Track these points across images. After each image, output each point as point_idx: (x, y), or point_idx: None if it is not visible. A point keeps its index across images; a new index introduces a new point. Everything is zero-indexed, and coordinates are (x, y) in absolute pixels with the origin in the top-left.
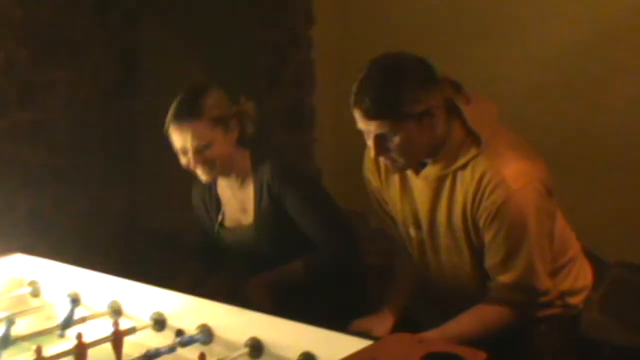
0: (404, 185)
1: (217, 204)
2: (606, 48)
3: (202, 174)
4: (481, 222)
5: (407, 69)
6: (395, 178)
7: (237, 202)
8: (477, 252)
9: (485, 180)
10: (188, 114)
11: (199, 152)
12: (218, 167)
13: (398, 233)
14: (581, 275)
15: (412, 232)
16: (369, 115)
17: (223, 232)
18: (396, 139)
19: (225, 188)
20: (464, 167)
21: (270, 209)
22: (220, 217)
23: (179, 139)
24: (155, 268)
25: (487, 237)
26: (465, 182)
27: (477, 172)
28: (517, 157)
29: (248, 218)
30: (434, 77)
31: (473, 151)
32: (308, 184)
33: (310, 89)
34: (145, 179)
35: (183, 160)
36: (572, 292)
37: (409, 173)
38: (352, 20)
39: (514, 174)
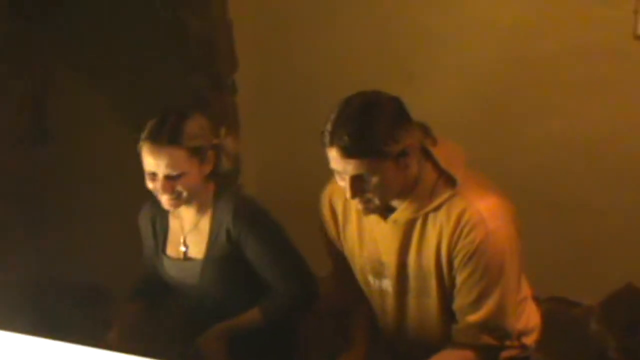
0: (362, 230)
1: (167, 228)
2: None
3: (165, 202)
4: (456, 262)
5: (384, 106)
6: (353, 224)
7: (188, 232)
8: (446, 294)
9: (464, 219)
10: (167, 139)
11: (169, 180)
12: (185, 199)
13: (349, 268)
14: (532, 315)
15: (371, 280)
16: (347, 154)
17: (166, 262)
18: (374, 179)
19: (177, 214)
20: (437, 209)
21: (225, 249)
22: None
23: (152, 162)
24: (74, 323)
25: (461, 276)
26: (438, 223)
27: (454, 212)
28: (491, 197)
29: (197, 252)
30: (409, 115)
31: (447, 192)
32: (271, 229)
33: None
34: (59, 227)
35: (149, 184)
36: (526, 332)
37: (369, 218)
38: (273, 63)
39: (491, 214)
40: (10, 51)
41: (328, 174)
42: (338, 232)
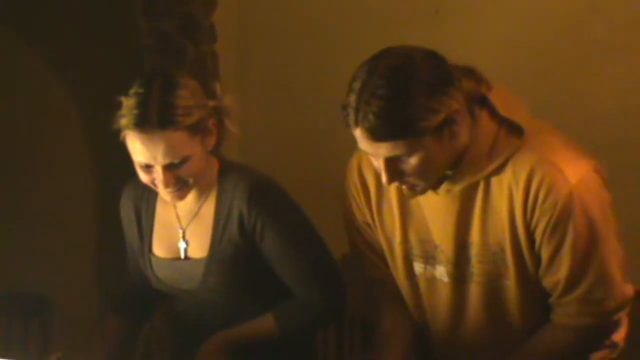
0: (405, 207)
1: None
2: (586, 26)
3: (169, 195)
4: (538, 233)
5: (418, 69)
6: (392, 200)
7: (187, 224)
8: (527, 275)
9: (536, 179)
10: (158, 122)
11: (170, 170)
12: (191, 186)
13: (385, 274)
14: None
15: (419, 267)
16: (375, 137)
17: (155, 263)
18: (413, 160)
19: (167, 201)
20: (500, 168)
21: (236, 243)
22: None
23: (144, 152)
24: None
25: (548, 249)
26: (506, 186)
27: (523, 170)
28: (566, 144)
29: (198, 249)
30: (451, 73)
31: (512, 144)
32: (293, 215)
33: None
34: None
35: (144, 177)
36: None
37: None
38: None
39: (570, 165)
40: None
41: (337, 142)
42: (372, 213)
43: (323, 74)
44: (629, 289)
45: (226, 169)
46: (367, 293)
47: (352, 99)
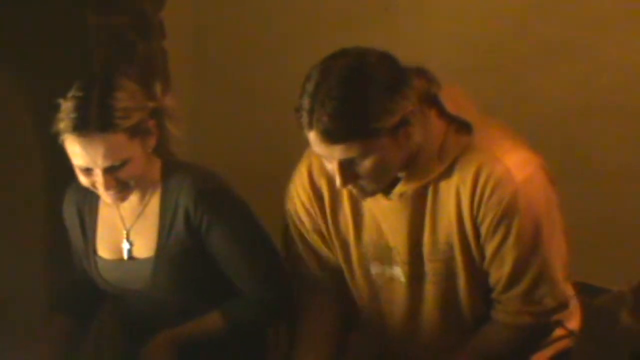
0: (358, 210)
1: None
2: (541, 22)
3: (110, 197)
4: (483, 229)
5: (373, 70)
6: (345, 206)
7: (131, 224)
8: (475, 271)
9: (483, 176)
10: (97, 125)
11: (110, 173)
12: (132, 188)
13: (318, 282)
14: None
15: (377, 268)
16: (329, 139)
17: (100, 264)
18: (367, 162)
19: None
20: (448, 171)
21: (183, 241)
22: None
23: (82, 155)
24: None
25: (492, 245)
26: (454, 185)
27: (470, 169)
28: (513, 142)
29: (143, 249)
30: (405, 74)
31: (461, 142)
32: (240, 211)
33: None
34: None
35: (84, 180)
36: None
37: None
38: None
39: (517, 163)
40: None
41: (289, 141)
42: (326, 219)
43: (275, 72)
44: (569, 290)
45: (169, 168)
46: (297, 299)
47: (306, 101)
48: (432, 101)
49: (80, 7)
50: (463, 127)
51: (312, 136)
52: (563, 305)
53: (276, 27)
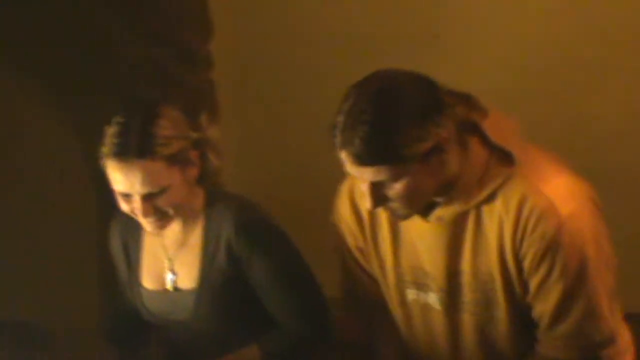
0: (396, 233)
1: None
2: (589, 47)
3: (149, 225)
4: (526, 263)
5: (406, 95)
6: (384, 226)
7: (174, 255)
8: (516, 304)
9: (526, 209)
10: (136, 151)
11: (149, 200)
12: (171, 217)
13: (376, 296)
14: (623, 331)
15: (411, 294)
16: (360, 161)
17: (144, 294)
18: (398, 186)
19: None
20: (492, 196)
21: (225, 272)
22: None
23: (122, 181)
24: None
25: (536, 279)
26: (496, 215)
27: (514, 200)
28: (559, 173)
29: (186, 280)
30: (441, 100)
31: (503, 173)
32: (281, 243)
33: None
34: None
35: (124, 206)
36: (619, 352)
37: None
38: (259, 27)
39: (562, 196)
40: None
41: (335, 170)
42: (365, 240)
43: (320, 102)
44: (620, 325)
45: (212, 198)
46: (360, 316)
47: (341, 120)
48: (474, 129)
49: (124, 39)
50: (506, 157)
51: (344, 156)
52: (610, 340)
53: (324, 56)
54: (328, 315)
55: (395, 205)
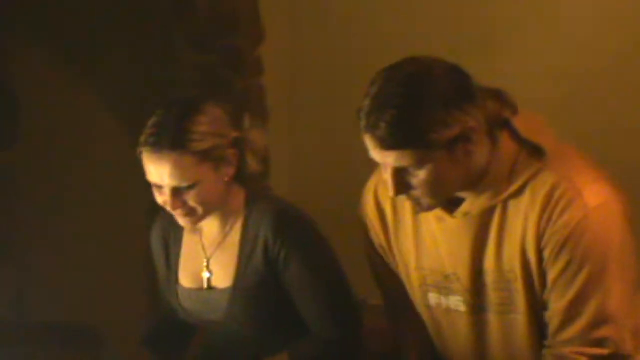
0: (420, 233)
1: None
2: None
3: (180, 219)
4: (547, 252)
5: (436, 80)
6: (407, 225)
7: (211, 253)
8: (536, 303)
9: (555, 196)
10: (168, 143)
11: (177, 193)
12: (201, 214)
13: (403, 296)
14: None
15: (434, 298)
16: (384, 145)
17: (180, 293)
18: (421, 174)
19: (196, 228)
20: (520, 191)
21: (260, 272)
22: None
23: (154, 170)
24: None
25: (553, 271)
26: (522, 209)
27: (542, 190)
28: (592, 170)
29: (222, 279)
30: (471, 90)
31: (534, 166)
32: (318, 247)
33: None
34: (29, 252)
35: (158, 197)
36: None
37: (430, 214)
38: (307, 34)
39: (591, 189)
40: None
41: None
42: (388, 239)
43: None
44: (631, 337)
45: (252, 199)
46: (391, 318)
47: (367, 104)
48: (504, 123)
49: (174, 44)
50: (536, 151)
51: (368, 140)
52: (622, 356)
53: (375, 63)
54: (359, 323)
55: (418, 193)
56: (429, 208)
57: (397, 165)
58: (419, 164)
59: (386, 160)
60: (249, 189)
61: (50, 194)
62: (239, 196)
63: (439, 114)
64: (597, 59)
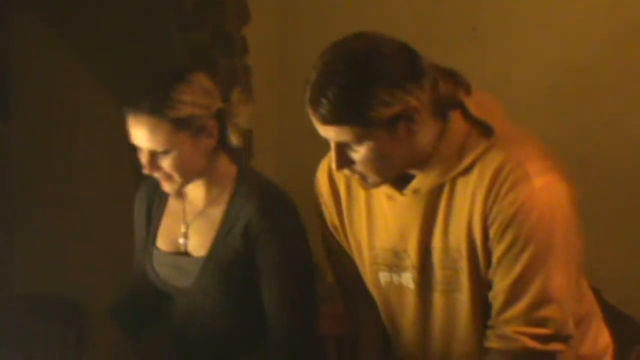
0: (371, 212)
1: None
2: (627, 48)
3: (162, 183)
4: (493, 230)
5: (381, 59)
6: (360, 205)
7: (192, 219)
8: (480, 284)
9: (502, 175)
10: (147, 107)
11: (154, 157)
12: (179, 181)
13: (356, 277)
14: (601, 334)
15: (385, 276)
16: (324, 120)
17: (155, 255)
18: (361, 150)
19: (182, 193)
20: (468, 169)
21: (236, 249)
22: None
23: (134, 133)
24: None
25: (498, 250)
26: (470, 187)
27: (490, 168)
28: (540, 151)
29: (198, 247)
30: (419, 70)
31: (483, 144)
32: (298, 238)
33: None
34: (20, 226)
35: (141, 159)
36: (594, 356)
37: (381, 192)
38: (296, 16)
39: (539, 169)
40: None
41: None
42: (342, 219)
43: None
44: (572, 324)
45: (243, 177)
46: (346, 304)
47: (312, 78)
48: (456, 104)
49: (162, 22)
50: (487, 130)
51: (311, 114)
52: (564, 337)
53: None
54: (313, 323)
55: (361, 170)
56: (375, 185)
57: (338, 140)
58: (359, 140)
59: (328, 134)
60: (241, 167)
61: (39, 165)
62: (228, 170)
63: (378, 93)
64: (588, 47)
